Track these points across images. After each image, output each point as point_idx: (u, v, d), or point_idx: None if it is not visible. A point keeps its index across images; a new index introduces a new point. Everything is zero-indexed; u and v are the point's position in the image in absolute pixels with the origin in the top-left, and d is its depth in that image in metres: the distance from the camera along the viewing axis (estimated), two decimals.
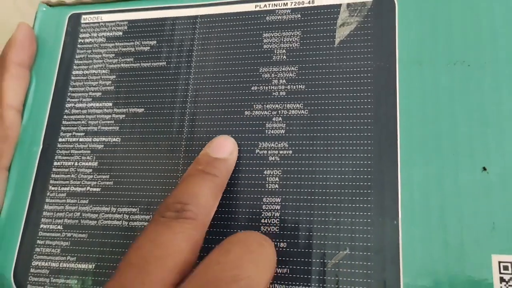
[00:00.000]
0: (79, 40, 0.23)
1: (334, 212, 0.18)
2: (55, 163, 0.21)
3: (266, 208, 0.18)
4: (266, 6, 0.21)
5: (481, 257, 0.16)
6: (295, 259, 0.18)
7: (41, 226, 0.20)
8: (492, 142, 0.17)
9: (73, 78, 0.22)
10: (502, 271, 0.16)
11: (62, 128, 0.22)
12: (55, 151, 0.21)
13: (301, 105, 0.19)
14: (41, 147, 0.21)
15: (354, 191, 0.18)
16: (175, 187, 0.17)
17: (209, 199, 0.17)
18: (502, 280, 0.16)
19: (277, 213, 0.18)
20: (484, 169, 0.17)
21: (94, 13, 0.23)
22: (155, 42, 0.22)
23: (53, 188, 0.21)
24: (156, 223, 0.16)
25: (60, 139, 0.22)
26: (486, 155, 0.17)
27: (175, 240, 0.15)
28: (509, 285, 0.16)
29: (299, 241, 0.18)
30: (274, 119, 0.19)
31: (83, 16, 0.23)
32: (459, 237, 0.16)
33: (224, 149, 0.19)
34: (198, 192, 0.17)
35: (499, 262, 0.16)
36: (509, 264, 0.16)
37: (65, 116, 0.22)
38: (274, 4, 0.21)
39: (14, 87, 0.21)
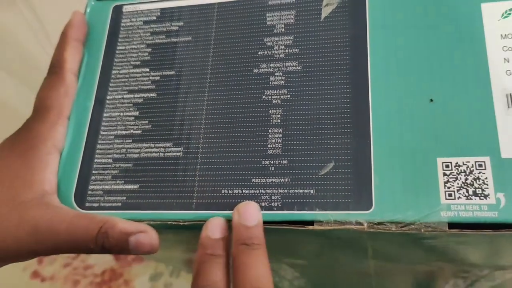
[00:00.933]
0: (122, 24, 0.29)
1: (323, 136, 0.24)
2: (104, 114, 0.27)
3: (271, 137, 0.24)
4: None
5: (428, 160, 0.22)
6: (294, 171, 0.23)
7: (95, 160, 0.26)
8: (438, 82, 0.23)
9: (117, 51, 0.29)
10: (444, 168, 0.22)
11: (110, 88, 0.28)
12: (104, 105, 0.27)
13: (296, 63, 0.26)
14: (93, 102, 0.27)
15: (337, 120, 0.24)
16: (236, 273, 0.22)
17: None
18: (444, 174, 0.22)
19: (279, 139, 0.24)
20: (431, 100, 0.23)
21: (133, 4, 0.30)
22: (182, 23, 0.28)
23: (103, 132, 0.27)
24: None
25: (108, 97, 0.28)
26: (433, 91, 0.23)
27: None
28: (450, 177, 0.22)
29: (297, 158, 0.24)
30: (276, 74, 0.26)
31: (125, 6, 0.30)
32: (412, 147, 0.22)
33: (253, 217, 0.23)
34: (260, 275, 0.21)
35: (442, 163, 0.22)
36: (449, 163, 0.22)
37: (111, 80, 0.28)
38: None
39: (72, 56, 0.28)
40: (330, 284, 0.42)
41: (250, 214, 0.22)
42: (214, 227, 0.23)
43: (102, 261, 0.76)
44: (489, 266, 0.31)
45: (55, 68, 0.27)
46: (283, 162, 0.24)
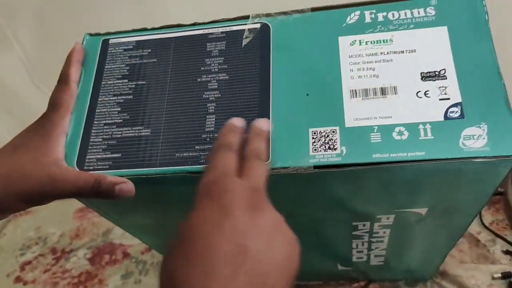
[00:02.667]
0: (108, 51, 0.43)
1: (242, 110, 0.37)
2: (97, 110, 0.40)
3: (208, 121, 0.38)
4: (206, 30, 0.42)
5: (304, 129, 0.36)
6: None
7: (90, 140, 0.39)
8: (312, 84, 0.37)
9: (105, 69, 0.42)
10: (312, 134, 0.35)
11: (100, 93, 0.41)
12: (96, 104, 0.40)
13: (225, 74, 0.39)
14: (88, 103, 0.40)
15: (249, 109, 0.37)
16: None
17: None
18: (312, 138, 0.35)
19: (213, 122, 0.37)
20: (307, 94, 0.37)
21: (116, 38, 0.43)
22: (150, 50, 0.42)
23: (96, 122, 0.39)
24: None
25: (99, 99, 0.40)
26: (308, 89, 0.37)
27: None
28: (315, 139, 0.35)
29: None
30: (212, 81, 0.39)
31: (110, 40, 0.43)
32: (295, 122, 0.36)
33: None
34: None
35: (312, 131, 0.36)
36: (316, 131, 0.36)
37: (101, 87, 0.41)
38: (211, 28, 0.42)
39: (75, 71, 0.40)
40: None
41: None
42: (236, 120, 0.35)
43: (79, 265, 0.87)
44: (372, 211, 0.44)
45: (63, 79, 0.40)
46: (215, 135, 0.37)
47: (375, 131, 0.35)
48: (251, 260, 0.26)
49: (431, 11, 0.38)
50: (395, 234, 0.49)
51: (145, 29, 0.43)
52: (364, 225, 0.47)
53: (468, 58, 0.36)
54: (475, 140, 0.33)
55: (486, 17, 0.37)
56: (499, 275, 0.66)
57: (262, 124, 0.36)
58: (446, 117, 0.34)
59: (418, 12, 0.38)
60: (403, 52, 0.37)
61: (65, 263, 0.87)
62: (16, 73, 0.87)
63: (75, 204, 0.98)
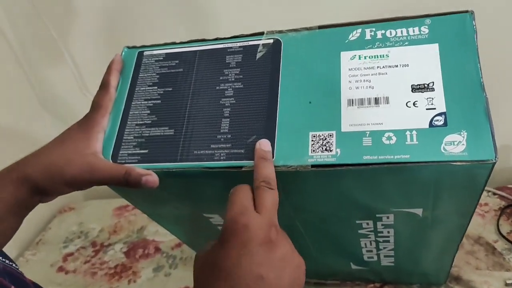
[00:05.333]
0: (142, 62, 0.49)
1: (251, 122, 0.43)
2: (130, 112, 0.46)
3: (223, 123, 0.43)
4: (227, 44, 0.47)
5: (304, 133, 0.41)
6: (234, 141, 0.42)
7: (124, 138, 0.45)
8: (314, 93, 0.42)
9: (139, 77, 0.48)
10: (312, 137, 0.40)
11: (134, 97, 0.47)
12: (130, 107, 0.47)
13: (240, 83, 0.45)
14: (124, 106, 0.47)
15: (258, 115, 0.43)
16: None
17: None
18: (312, 140, 0.40)
19: (227, 124, 0.43)
20: (310, 102, 0.42)
21: (149, 51, 0.50)
22: (178, 61, 0.48)
23: (129, 122, 0.46)
24: None
25: (132, 102, 0.47)
26: (311, 97, 0.42)
27: None
28: (314, 142, 0.40)
29: (236, 134, 0.42)
30: (228, 89, 0.45)
31: (145, 52, 0.50)
32: (298, 126, 0.41)
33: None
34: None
35: (311, 134, 0.41)
36: (315, 134, 0.40)
37: (135, 93, 0.47)
38: (230, 43, 0.47)
39: (114, 79, 0.47)
40: None
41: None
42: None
43: (115, 258, 0.94)
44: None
45: (104, 84, 0.47)
46: (228, 136, 0.43)
47: (367, 135, 0.39)
48: (267, 285, 0.34)
49: (425, 29, 0.42)
50: (399, 234, 0.53)
51: (174, 43, 0.50)
52: (367, 224, 0.51)
53: (455, 72, 0.40)
54: (455, 145, 0.37)
55: (475, 35, 0.41)
56: None
57: (264, 146, 0.41)
58: (431, 124, 0.38)
59: (413, 30, 0.43)
60: (397, 66, 0.42)
61: (103, 255, 0.94)
62: (67, 83, 0.97)
63: (113, 203, 1.07)
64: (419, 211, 0.46)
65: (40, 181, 0.41)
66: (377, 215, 0.49)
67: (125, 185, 0.42)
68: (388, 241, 0.56)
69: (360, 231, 0.53)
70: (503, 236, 0.77)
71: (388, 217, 0.49)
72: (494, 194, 0.86)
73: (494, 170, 0.37)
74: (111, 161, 0.44)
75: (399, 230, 0.52)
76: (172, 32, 0.86)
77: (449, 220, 0.48)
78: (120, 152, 0.45)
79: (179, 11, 0.87)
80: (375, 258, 0.62)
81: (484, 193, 0.50)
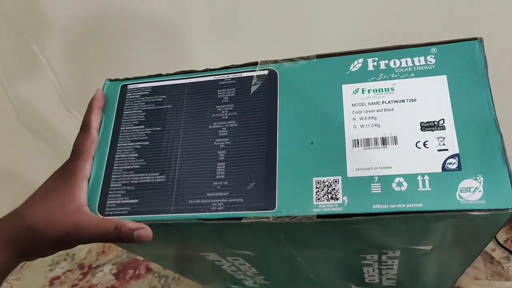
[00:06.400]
0: (126, 97, 0.46)
1: (249, 167, 0.39)
2: (116, 156, 0.43)
3: (218, 168, 0.40)
4: (218, 76, 0.44)
5: (308, 178, 0.38)
6: (231, 188, 0.39)
7: (110, 185, 0.42)
8: (317, 132, 0.39)
9: (124, 115, 0.45)
10: (316, 183, 0.37)
11: (119, 139, 0.44)
12: (116, 150, 0.43)
13: (234, 121, 0.42)
14: (108, 149, 0.43)
15: (257, 157, 0.40)
16: None
17: None
18: (316, 187, 0.37)
19: (223, 169, 0.40)
20: (312, 143, 0.39)
21: (134, 83, 0.46)
22: (165, 96, 0.45)
23: (115, 167, 0.42)
24: None
25: (118, 144, 0.43)
26: (313, 137, 0.39)
27: None
28: (319, 189, 0.37)
29: (234, 180, 0.39)
30: (222, 128, 0.42)
31: (128, 85, 0.46)
32: (299, 171, 0.38)
33: None
34: None
35: (315, 180, 0.38)
36: (320, 180, 0.37)
37: (120, 133, 0.44)
38: (222, 75, 0.44)
39: (96, 118, 0.43)
40: (280, 276, 0.57)
41: None
42: None
43: (104, 280, 0.91)
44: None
45: (85, 126, 0.43)
46: (225, 183, 0.39)
47: (375, 181, 0.36)
48: None
49: (431, 59, 0.39)
50: (403, 263, 0.51)
51: (160, 75, 0.46)
52: (372, 257, 0.49)
53: (466, 108, 0.37)
54: (471, 193, 0.34)
55: (485, 65, 0.38)
56: None
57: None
58: (444, 168, 0.36)
59: (419, 60, 0.40)
60: (403, 101, 0.39)
61: (92, 278, 0.91)
62: (48, 97, 0.92)
63: None
64: (428, 248, 0.44)
65: (24, 244, 0.38)
66: (383, 251, 0.46)
67: (117, 241, 0.39)
68: (392, 269, 0.54)
69: (363, 262, 0.51)
70: (500, 245, 0.76)
71: (394, 252, 0.46)
72: None
73: None
74: (98, 213, 0.41)
75: (404, 261, 0.50)
76: (156, 54, 0.82)
77: (459, 253, 0.45)
78: (108, 202, 0.41)
79: (161, 34, 0.83)
80: (377, 280, 0.60)
81: None
